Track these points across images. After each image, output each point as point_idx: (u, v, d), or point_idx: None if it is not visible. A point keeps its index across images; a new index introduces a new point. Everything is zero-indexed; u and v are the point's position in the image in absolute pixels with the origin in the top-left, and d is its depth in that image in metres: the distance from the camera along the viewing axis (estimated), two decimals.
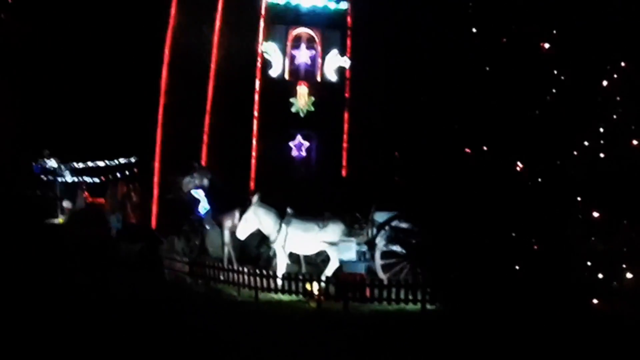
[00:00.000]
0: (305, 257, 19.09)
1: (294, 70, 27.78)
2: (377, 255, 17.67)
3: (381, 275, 17.47)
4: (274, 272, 17.03)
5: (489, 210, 13.24)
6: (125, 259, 22.17)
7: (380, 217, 18.09)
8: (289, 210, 17.84)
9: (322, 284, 16.14)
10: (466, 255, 13.55)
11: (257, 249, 20.85)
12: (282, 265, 17.74)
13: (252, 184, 25.66)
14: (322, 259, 19.12)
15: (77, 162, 37.79)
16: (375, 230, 18.00)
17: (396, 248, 17.76)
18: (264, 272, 16.78)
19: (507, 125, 13.66)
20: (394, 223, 17.90)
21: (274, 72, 27.17)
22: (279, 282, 16.69)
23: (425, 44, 17.06)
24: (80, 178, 38.53)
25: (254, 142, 26.49)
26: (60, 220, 36.71)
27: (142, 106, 28.29)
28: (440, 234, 14.92)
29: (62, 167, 38.95)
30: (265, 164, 26.27)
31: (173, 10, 27.81)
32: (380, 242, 17.77)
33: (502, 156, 13.62)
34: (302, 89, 27.10)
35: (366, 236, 18.01)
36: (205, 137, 26.25)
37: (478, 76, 14.54)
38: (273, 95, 26.82)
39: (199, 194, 20.84)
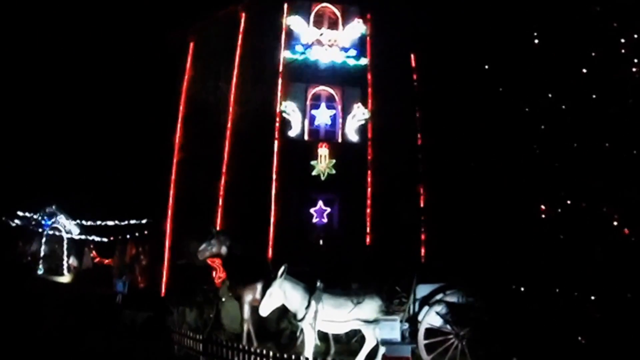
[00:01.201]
0: (334, 335, 16.14)
1: (314, 130, 25.49)
2: (421, 333, 14.74)
3: (425, 356, 14.56)
4: (306, 358, 13.99)
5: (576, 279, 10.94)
6: (130, 327, 19.24)
7: (423, 290, 15.20)
8: (318, 284, 14.91)
9: None
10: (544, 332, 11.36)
11: (277, 324, 17.95)
12: (310, 346, 14.74)
13: (270, 251, 22.94)
14: (356, 338, 16.19)
15: (87, 221, 35.15)
16: (417, 306, 15.07)
17: (441, 325, 14.87)
18: (293, 357, 13.77)
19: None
20: (439, 296, 15.03)
21: (293, 132, 24.89)
22: None
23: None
24: (87, 236, 36.00)
25: (273, 206, 23.72)
26: (66, 278, 34.08)
27: (155, 163, 25.74)
28: (510, 308, 12.38)
29: (70, 222, 36.44)
30: (284, 230, 23.62)
31: (188, 64, 25.61)
32: (425, 318, 14.83)
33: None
34: (323, 151, 24.69)
35: (407, 313, 15.09)
36: (220, 199, 23.46)
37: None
38: (292, 156, 24.44)
39: (215, 262, 18.09)
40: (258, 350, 14.21)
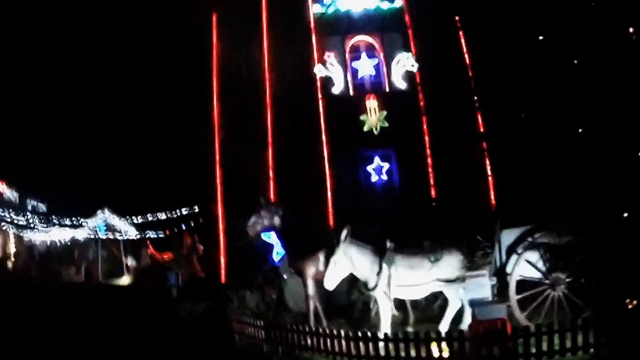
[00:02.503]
0: (412, 301, 13.88)
1: (359, 84, 23.01)
2: (512, 287, 12.48)
3: (518, 314, 12.37)
4: (384, 333, 11.77)
5: None
6: (189, 321, 17.37)
7: (508, 236, 12.93)
8: (388, 244, 12.65)
9: (455, 343, 10.80)
10: None
11: (347, 296, 15.84)
12: (386, 317, 12.58)
13: (330, 219, 20.68)
14: (438, 303, 13.98)
15: (137, 217, 33.49)
16: (504, 256, 12.76)
17: (534, 275, 12.63)
18: (368, 333, 11.57)
19: None
20: (528, 241, 12.92)
21: (336, 89, 22.58)
22: (390, 345, 11.37)
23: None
24: (143, 234, 34.40)
25: (327, 170, 21.50)
26: (126, 280, 32.56)
27: (196, 147, 23.72)
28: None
29: (125, 223, 34.87)
30: (342, 194, 21.32)
31: (215, 37, 23.32)
32: (515, 269, 12.55)
33: None
34: (372, 103, 22.35)
35: (494, 265, 12.78)
36: (270, 172, 21.30)
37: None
38: (340, 114, 22.17)
39: (271, 237, 16.02)
40: (327, 331, 12.06)
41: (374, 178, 21.91)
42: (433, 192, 21.76)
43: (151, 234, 35.09)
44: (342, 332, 11.66)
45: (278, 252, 16.57)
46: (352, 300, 15.80)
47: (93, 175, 33.83)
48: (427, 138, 22.26)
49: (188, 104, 25.05)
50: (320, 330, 12.17)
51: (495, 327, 10.84)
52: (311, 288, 13.89)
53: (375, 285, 12.50)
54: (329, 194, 21.22)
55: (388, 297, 12.48)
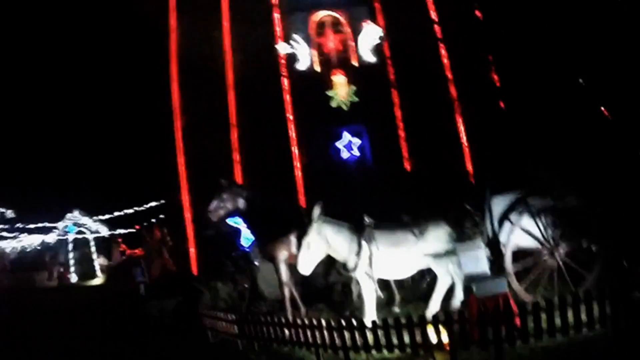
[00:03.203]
0: (397, 280, 12.10)
1: (325, 60, 21.10)
2: (508, 258, 10.76)
3: (517, 287, 10.66)
4: (371, 320, 9.94)
5: None
6: (160, 318, 15.40)
7: (499, 203, 11.17)
8: (367, 220, 10.84)
9: (455, 325, 9.00)
10: None
11: (325, 279, 14.03)
12: (370, 300, 10.83)
13: (302, 200, 18.89)
14: (427, 280, 12.23)
15: (106, 215, 31.39)
16: (497, 224, 10.99)
17: (530, 244, 10.92)
18: (354, 321, 9.75)
19: None
20: (521, 208, 11.05)
21: (302, 66, 20.67)
22: (380, 333, 9.56)
23: None
24: (114, 231, 32.33)
25: (295, 150, 19.66)
26: (99, 280, 30.51)
27: (157, 136, 21.70)
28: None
29: (95, 222, 32.78)
30: (313, 174, 19.53)
31: (173, 21, 21.14)
32: (510, 238, 10.84)
33: None
34: (339, 79, 20.62)
35: (486, 235, 11.02)
36: (236, 154, 19.40)
37: None
38: (306, 91, 20.30)
39: (239, 222, 14.19)
40: (307, 321, 10.19)
41: (345, 155, 20.16)
42: (407, 166, 20.08)
43: (122, 231, 33.06)
44: (324, 322, 9.84)
45: (247, 238, 14.80)
46: (330, 283, 14.05)
47: (59, 176, 31.63)
48: (398, 111, 20.54)
49: (148, 93, 22.97)
50: (299, 320, 10.33)
51: (497, 303, 9.10)
52: (285, 274, 12.10)
53: (356, 266, 10.72)
54: (299, 173, 19.48)
55: (371, 277, 10.72)
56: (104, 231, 33.06)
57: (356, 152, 20.13)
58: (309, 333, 10.03)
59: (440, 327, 8.98)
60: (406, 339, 9.21)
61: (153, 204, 28.56)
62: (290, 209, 13.72)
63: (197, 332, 13.16)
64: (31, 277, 32.07)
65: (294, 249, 11.85)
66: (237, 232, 15.40)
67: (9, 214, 38.25)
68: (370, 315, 10.63)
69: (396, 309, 12.09)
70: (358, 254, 10.71)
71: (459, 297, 11.17)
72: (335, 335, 9.68)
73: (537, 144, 11.39)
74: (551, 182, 10.94)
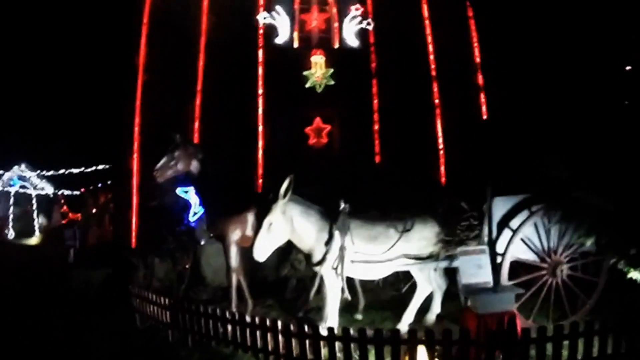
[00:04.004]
0: (362, 281, 9.84)
1: (305, 38, 18.61)
2: (505, 271, 8.52)
3: None
4: (327, 327, 7.56)
5: None
6: (84, 291, 12.72)
7: (501, 205, 8.87)
8: (342, 205, 8.46)
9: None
10: None
11: (276, 271, 11.69)
12: (334, 302, 8.52)
13: (259, 182, 16.50)
14: (405, 288, 9.99)
15: (51, 172, 28.35)
16: (495, 230, 8.78)
17: (528, 257, 8.83)
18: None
19: None
20: (523, 214, 8.90)
21: (280, 40, 18.13)
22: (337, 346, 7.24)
23: None
24: (58, 191, 29.32)
25: (260, 127, 17.19)
26: (35, 239, 27.50)
27: (117, 92, 19.01)
28: None
29: (41, 179, 29.71)
30: (275, 156, 17.03)
31: None
32: (510, 248, 8.60)
33: None
34: (318, 59, 18.16)
35: (482, 240, 8.74)
36: (196, 124, 16.89)
37: None
38: (281, 67, 17.73)
39: (188, 192, 11.76)
40: (257, 320, 7.80)
41: (312, 140, 17.71)
42: (377, 160, 17.85)
43: (66, 192, 30.05)
44: (280, 324, 7.45)
45: (195, 212, 12.32)
46: (282, 276, 11.71)
47: (9, 126, 28.43)
48: (375, 101, 18.27)
49: (110, 44, 20.27)
50: (249, 318, 7.88)
51: (501, 323, 6.89)
52: (235, 258, 9.66)
53: (323, 259, 8.34)
54: (260, 153, 17.03)
55: (339, 275, 8.35)
56: (49, 189, 30.08)
57: (324, 139, 17.77)
58: (258, 335, 7.63)
59: (419, 348, 6.71)
60: (371, 357, 6.93)
61: (101, 166, 25.84)
62: (248, 184, 11.34)
63: (123, 313, 10.62)
64: None
65: (249, 230, 9.48)
66: (185, 204, 12.92)
67: None
68: (330, 320, 8.31)
69: (358, 316, 9.79)
70: (327, 244, 8.35)
71: (436, 310, 9.12)
72: (294, 343, 7.30)
73: (545, 141, 9.20)
74: (568, 182, 8.79)
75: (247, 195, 9.83)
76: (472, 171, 10.64)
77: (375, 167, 17.15)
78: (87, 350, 8.78)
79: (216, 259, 12.05)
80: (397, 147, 17.40)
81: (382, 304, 10.42)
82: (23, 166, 29.91)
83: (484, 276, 7.93)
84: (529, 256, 8.79)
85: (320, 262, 8.37)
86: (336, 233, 8.34)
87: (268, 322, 7.58)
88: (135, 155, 17.09)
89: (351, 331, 7.13)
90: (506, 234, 8.73)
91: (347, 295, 8.61)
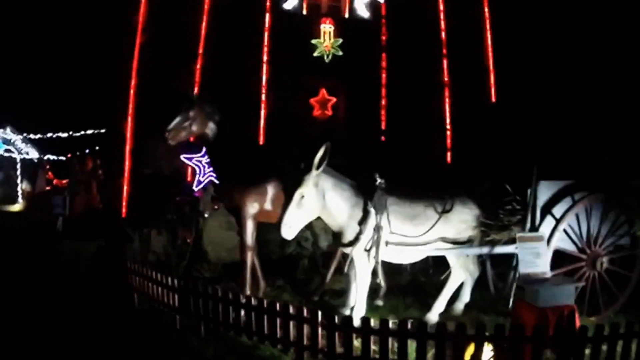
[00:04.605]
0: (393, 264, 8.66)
1: (315, 5, 17.33)
2: (549, 258, 7.34)
3: None
4: (360, 318, 6.40)
5: None
6: (74, 264, 11.30)
7: (546, 190, 7.83)
8: (378, 180, 7.28)
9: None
10: None
11: (281, 249, 10.52)
12: (364, 288, 7.31)
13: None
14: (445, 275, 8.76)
15: (37, 135, 26.68)
16: (538, 216, 7.72)
17: (567, 247, 7.81)
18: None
19: None
20: (566, 200, 7.85)
21: (289, 5, 16.89)
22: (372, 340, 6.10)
23: None
24: (43, 156, 27.67)
25: (263, 96, 15.95)
26: (18, 206, 25.89)
27: (113, 52, 17.56)
28: None
29: (26, 143, 28.02)
30: (277, 126, 15.90)
31: None
32: (554, 236, 7.56)
33: None
34: (327, 27, 17.09)
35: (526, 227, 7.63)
36: (196, 89, 15.55)
37: None
38: (288, 34, 16.54)
39: (200, 163, 10.61)
40: (293, 309, 6.55)
41: (317, 112, 16.50)
42: (382, 138, 16.81)
43: (52, 157, 28.39)
44: (320, 315, 6.23)
45: (201, 180, 11.07)
46: (288, 254, 10.59)
47: None
48: (384, 76, 17.12)
49: (106, 5, 18.73)
50: (278, 306, 6.63)
51: (561, 318, 5.84)
52: (251, 234, 8.30)
53: (356, 240, 7.18)
54: (262, 123, 15.84)
55: (372, 258, 7.21)
56: (34, 154, 28.44)
57: (329, 112, 16.59)
58: (292, 326, 6.44)
59: (485, 345, 5.63)
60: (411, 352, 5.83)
61: (90, 131, 24.33)
62: (268, 152, 10.10)
63: (118, 291, 9.30)
64: None
65: (268, 204, 8.24)
66: (184, 173, 11.70)
67: None
68: (359, 308, 7.21)
69: (379, 302, 8.64)
70: (361, 223, 7.19)
71: (465, 299, 8.09)
72: (333, 335, 6.14)
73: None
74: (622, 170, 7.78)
75: (267, 165, 8.59)
76: (478, 153, 9.66)
77: (380, 146, 16.03)
78: (77, 333, 7.47)
79: (218, 233, 10.94)
80: (403, 125, 16.32)
81: (402, 289, 9.28)
82: (8, 129, 28.24)
83: (542, 266, 6.85)
84: (567, 246, 7.77)
85: (352, 243, 7.23)
86: (371, 212, 7.20)
87: (306, 313, 6.37)
88: (129, 119, 15.80)
89: (390, 324, 5.98)
90: (548, 221, 7.67)
91: (381, 281, 7.51)
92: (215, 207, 10.74)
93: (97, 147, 22.22)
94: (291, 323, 6.39)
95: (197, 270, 10.12)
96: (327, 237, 10.55)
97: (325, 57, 16.63)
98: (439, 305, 7.82)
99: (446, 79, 17.43)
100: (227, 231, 10.93)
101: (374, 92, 17.02)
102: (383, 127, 16.83)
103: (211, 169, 10.97)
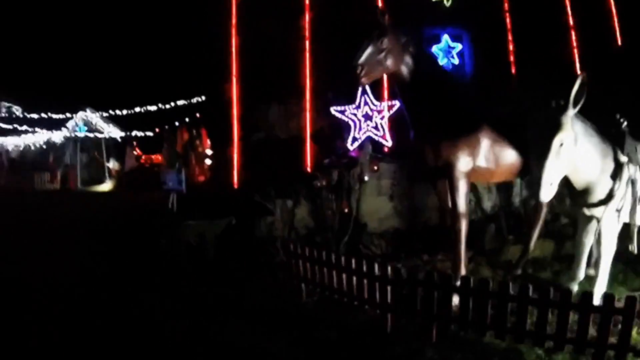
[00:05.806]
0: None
1: None
2: None
3: None
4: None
5: None
6: (199, 250, 9.77)
7: None
8: (624, 125, 5.65)
9: None
10: None
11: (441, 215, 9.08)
12: (608, 258, 5.75)
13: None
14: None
15: (123, 112, 25.75)
16: None
17: None
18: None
19: None
20: None
21: None
22: None
23: None
24: (128, 133, 26.86)
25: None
26: (107, 186, 25.23)
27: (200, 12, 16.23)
28: None
29: (107, 122, 27.30)
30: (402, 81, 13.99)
31: None
32: None
33: None
34: None
35: None
36: (307, 43, 13.96)
37: None
38: None
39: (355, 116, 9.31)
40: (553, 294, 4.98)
41: (443, 60, 14.75)
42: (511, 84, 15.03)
43: (138, 133, 27.52)
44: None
45: (356, 137, 9.64)
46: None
47: (71, 65, 25.90)
48: (508, 19, 15.27)
49: None
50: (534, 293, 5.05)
51: None
52: (464, 197, 6.58)
53: (609, 197, 5.60)
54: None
55: (622, 220, 5.69)
56: (117, 133, 27.67)
57: (455, 60, 14.90)
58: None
59: None
60: None
61: (180, 102, 23.20)
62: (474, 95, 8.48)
63: (266, 280, 7.80)
64: (31, 178, 26.78)
65: (481, 160, 6.61)
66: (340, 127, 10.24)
67: (15, 110, 32.65)
68: (601, 283, 5.69)
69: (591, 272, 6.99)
70: (614, 177, 5.61)
71: None
72: None
73: None
74: None
75: (477, 110, 6.95)
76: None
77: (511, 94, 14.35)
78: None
79: (374, 199, 9.54)
80: (532, 72, 14.58)
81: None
82: (88, 111, 27.53)
83: None
84: None
85: (604, 202, 5.64)
86: (625, 163, 5.61)
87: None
88: (233, 82, 14.41)
89: None
90: None
91: (634, 248, 5.96)
92: (375, 168, 9.28)
93: (186, 119, 21.17)
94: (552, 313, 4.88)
95: (366, 248, 8.60)
96: (490, 197, 9.10)
97: (446, 1, 14.97)
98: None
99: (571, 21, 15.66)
100: (378, 197, 9.56)
101: (500, 38, 15.26)
102: (513, 69, 15.15)
103: (367, 122, 9.54)
